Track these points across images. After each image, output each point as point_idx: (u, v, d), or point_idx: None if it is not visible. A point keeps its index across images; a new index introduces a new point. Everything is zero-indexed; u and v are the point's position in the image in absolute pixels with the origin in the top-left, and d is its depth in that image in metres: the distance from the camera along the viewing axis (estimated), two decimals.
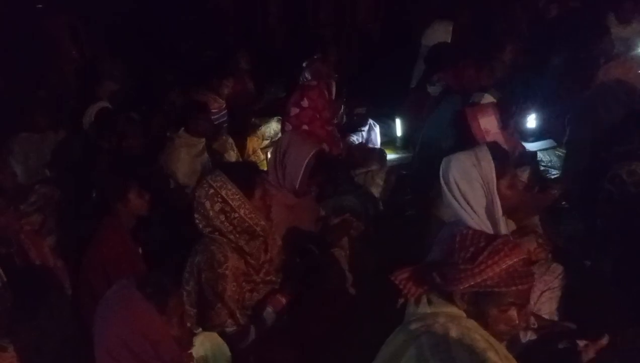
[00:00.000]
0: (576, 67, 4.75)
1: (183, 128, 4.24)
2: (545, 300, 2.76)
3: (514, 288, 1.77)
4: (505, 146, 3.28)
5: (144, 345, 1.78)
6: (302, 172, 3.12)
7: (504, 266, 1.78)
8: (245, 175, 2.60)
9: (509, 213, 2.67)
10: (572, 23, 5.27)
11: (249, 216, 2.55)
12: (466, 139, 3.32)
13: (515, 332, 1.98)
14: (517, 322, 1.84)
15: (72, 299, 3.08)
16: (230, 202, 2.52)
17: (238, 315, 2.54)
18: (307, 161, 3.13)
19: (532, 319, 2.61)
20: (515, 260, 1.80)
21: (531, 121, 4.78)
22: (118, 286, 1.85)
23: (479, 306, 1.82)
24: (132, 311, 1.78)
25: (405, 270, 1.94)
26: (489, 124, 3.49)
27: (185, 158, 4.20)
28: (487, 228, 2.41)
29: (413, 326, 1.82)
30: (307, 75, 5.01)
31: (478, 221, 2.42)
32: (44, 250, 3.18)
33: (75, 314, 2.93)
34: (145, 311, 1.78)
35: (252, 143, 5.10)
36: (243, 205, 2.54)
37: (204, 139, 4.34)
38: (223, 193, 2.52)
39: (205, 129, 4.32)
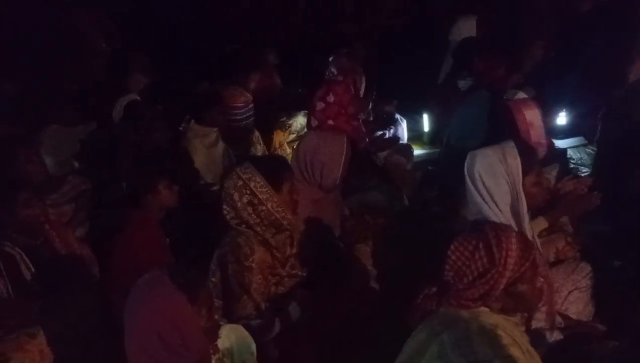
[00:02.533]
0: (609, 63, 4.66)
1: (193, 120, 4.26)
2: (573, 300, 2.73)
3: (527, 264, 1.82)
4: (544, 141, 3.26)
5: (174, 334, 1.80)
6: (341, 167, 3.14)
7: (514, 258, 1.79)
8: (274, 169, 2.62)
9: (537, 211, 2.64)
10: (605, 18, 5.16)
11: (276, 209, 2.56)
12: (507, 134, 3.26)
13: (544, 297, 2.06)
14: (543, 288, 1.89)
15: (98, 289, 3.12)
16: (258, 195, 2.54)
17: (263, 308, 2.55)
18: (343, 156, 3.15)
19: (559, 318, 2.59)
20: (514, 243, 1.81)
21: (561, 118, 4.70)
22: (150, 276, 1.87)
23: (511, 296, 1.82)
24: (164, 301, 1.80)
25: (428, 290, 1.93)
26: (533, 117, 3.44)
27: (201, 148, 4.22)
28: (511, 224, 2.37)
29: (435, 322, 1.82)
30: (333, 70, 4.99)
31: (502, 217, 2.40)
32: (70, 240, 3.23)
33: (102, 303, 2.97)
34: (177, 301, 1.80)
35: (279, 137, 5.11)
36: (271, 198, 2.55)
37: (216, 129, 4.34)
38: (252, 185, 2.54)
39: (215, 119, 4.32)
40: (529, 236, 2.42)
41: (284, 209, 2.59)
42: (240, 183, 2.55)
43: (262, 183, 2.55)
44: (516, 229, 2.35)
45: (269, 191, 2.55)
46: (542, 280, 1.92)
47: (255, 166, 2.58)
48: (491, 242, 1.81)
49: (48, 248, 3.05)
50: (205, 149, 4.25)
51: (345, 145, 3.22)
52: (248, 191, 2.54)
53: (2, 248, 2.83)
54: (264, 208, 2.54)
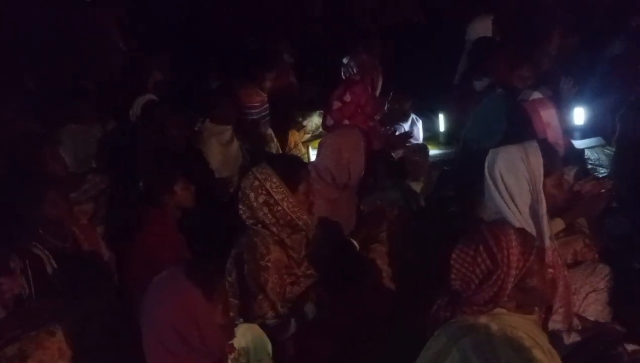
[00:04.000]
0: (628, 63, 4.62)
1: (208, 119, 4.28)
2: (591, 302, 2.70)
3: (531, 257, 1.81)
4: (561, 141, 3.23)
5: (191, 329, 1.81)
6: (364, 160, 3.19)
7: (516, 255, 1.78)
8: (291, 169, 2.63)
9: (554, 212, 2.62)
10: (623, 18, 5.11)
11: (291, 209, 2.57)
12: (524, 134, 3.24)
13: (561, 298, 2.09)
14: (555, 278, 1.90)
15: (117, 287, 3.15)
16: (274, 195, 2.55)
17: (279, 307, 2.57)
18: (364, 149, 3.18)
19: (576, 321, 2.57)
20: (514, 239, 1.80)
21: (579, 118, 4.66)
22: (167, 272, 1.89)
23: (523, 292, 1.81)
24: (181, 296, 1.82)
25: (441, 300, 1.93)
26: (550, 117, 3.42)
27: (217, 147, 4.25)
28: (529, 226, 2.36)
29: (454, 327, 1.82)
30: (351, 69, 4.99)
31: (520, 218, 2.38)
32: (97, 242, 3.27)
33: (120, 302, 2.99)
34: (194, 296, 1.81)
35: (294, 136, 5.13)
36: (286, 198, 2.56)
37: (230, 127, 4.36)
38: (267, 185, 2.55)
39: (228, 116, 4.34)
40: (547, 237, 2.41)
41: (299, 209, 2.60)
42: (257, 183, 2.56)
43: (278, 183, 2.56)
44: (534, 230, 2.36)
45: (284, 192, 2.56)
46: (552, 270, 1.89)
47: (272, 166, 2.60)
48: (490, 243, 1.80)
49: (76, 250, 3.09)
50: (221, 147, 4.28)
51: (360, 136, 3.26)
52: (264, 191, 2.55)
53: (30, 248, 2.86)
54: (279, 208, 2.56)
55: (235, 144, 4.43)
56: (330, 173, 3.18)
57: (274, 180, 2.56)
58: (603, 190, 2.94)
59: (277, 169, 2.58)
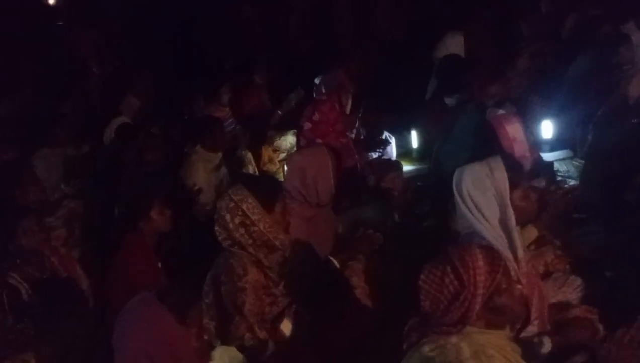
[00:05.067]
0: (597, 75, 4.73)
1: (199, 144, 4.29)
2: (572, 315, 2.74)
3: (498, 276, 1.81)
4: (528, 154, 3.29)
5: (165, 354, 1.81)
6: (331, 176, 3.20)
7: (483, 274, 1.80)
8: (266, 190, 2.65)
9: (526, 221, 2.67)
10: (590, 31, 5.24)
11: (268, 229, 2.58)
12: (491, 149, 3.30)
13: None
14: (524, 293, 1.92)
15: (93, 311, 3.13)
16: (250, 216, 2.56)
17: (257, 329, 2.56)
18: (330, 164, 3.20)
19: (549, 327, 2.60)
20: (480, 259, 1.82)
21: (547, 131, 4.76)
22: (139, 298, 1.90)
23: (492, 310, 1.83)
24: (153, 321, 1.82)
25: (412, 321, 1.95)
26: (515, 132, 3.49)
27: (202, 173, 4.26)
28: (501, 238, 2.41)
29: (426, 348, 1.82)
30: (320, 88, 5.04)
31: (492, 232, 2.42)
32: (75, 271, 3.25)
33: (99, 326, 2.97)
34: (166, 321, 1.82)
35: (268, 152, 5.15)
36: (262, 219, 2.58)
37: (220, 154, 4.39)
38: (243, 206, 2.56)
39: (220, 144, 4.36)
40: (520, 248, 2.45)
41: (276, 229, 2.61)
42: (232, 204, 2.57)
43: (253, 204, 2.57)
44: (506, 242, 2.40)
45: (260, 212, 2.58)
46: (521, 287, 1.91)
47: (247, 187, 2.61)
48: (457, 264, 1.80)
49: (53, 279, 3.07)
50: (206, 174, 4.29)
51: (327, 154, 3.27)
52: (240, 213, 2.56)
53: (7, 280, 2.85)
54: (255, 228, 2.57)
55: (223, 171, 4.44)
56: (299, 191, 3.21)
57: (250, 201, 2.57)
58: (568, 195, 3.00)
59: (252, 190, 2.59)
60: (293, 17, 7.74)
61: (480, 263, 1.81)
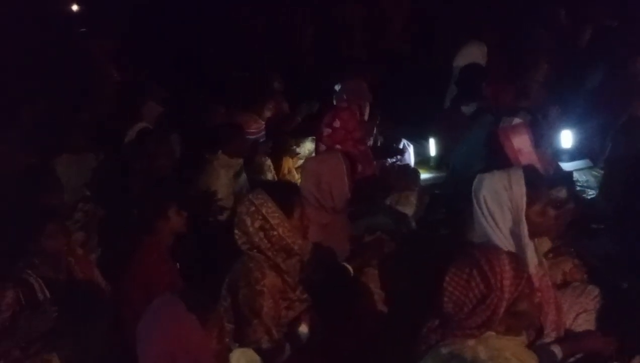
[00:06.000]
0: (615, 85, 4.72)
1: (221, 150, 4.33)
2: (581, 323, 2.72)
3: (522, 282, 1.84)
4: (538, 165, 3.28)
5: (186, 357, 1.82)
6: (346, 182, 3.24)
7: (509, 279, 1.81)
8: (286, 195, 2.67)
9: (540, 236, 2.65)
10: (607, 41, 5.23)
11: (287, 234, 2.60)
12: (499, 160, 3.33)
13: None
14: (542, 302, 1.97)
15: (111, 315, 3.15)
16: (270, 220, 2.58)
17: (274, 332, 2.57)
18: (345, 170, 3.23)
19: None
20: (507, 264, 1.82)
21: (566, 141, 4.74)
22: (162, 300, 1.91)
23: (513, 316, 1.84)
24: (176, 322, 1.84)
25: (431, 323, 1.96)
26: (521, 143, 3.50)
27: (223, 178, 4.29)
28: (514, 249, 2.38)
29: (443, 351, 1.83)
30: (341, 96, 5.07)
31: (506, 242, 2.40)
32: (92, 272, 3.28)
33: (116, 329, 3.00)
34: (189, 324, 1.83)
35: (287, 163, 5.18)
36: (282, 224, 2.60)
37: (241, 160, 4.43)
38: (263, 210, 2.59)
39: (242, 150, 4.41)
40: (532, 264, 2.41)
41: (294, 234, 2.63)
42: (253, 208, 2.60)
43: (273, 208, 2.59)
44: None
45: (280, 217, 2.60)
46: (540, 294, 1.92)
47: (267, 192, 2.64)
48: (484, 268, 1.82)
49: (70, 280, 3.10)
50: (227, 179, 4.32)
51: (342, 160, 3.31)
52: (260, 217, 2.59)
53: (23, 276, 2.88)
54: (275, 233, 2.59)
55: (243, 178, 4.48)
56: (314, 197, 3.23)
57: (270, 205, 2.60)
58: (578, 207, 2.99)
59: (272, 195, 2.62)
60: (306, 27, 7.80)
61: (507, 267, 1.82)
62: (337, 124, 4.37)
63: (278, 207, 2.60)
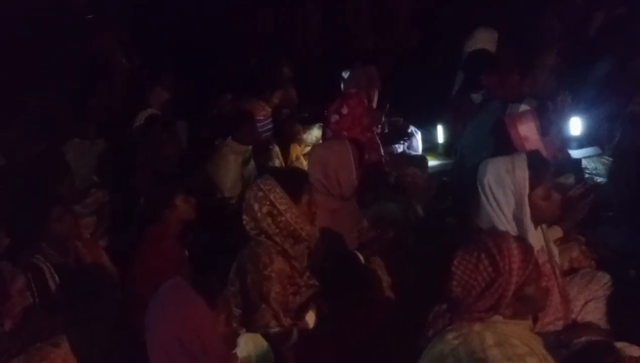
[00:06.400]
0: (625, 73, 4.68)
1: (230, 136, 4.34)
2: (590, 310, 2.71)
3: (530, 266, 1.84)
4: (544, 153, 3.27)
5: (195, 340, 1.83)
6: (354, 169, 3.23)
7: (517, 263, 1.81)
8: (293, 181, 2.68)
9: (550, 220, 2.65)
10: (618, 28, 5.19)
11: (294, 220, 2.61)
12: (505, 147, 3.32)
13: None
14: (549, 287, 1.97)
15: (120, 300, 3.18)
16: (278, 206, 2.59)
17: (282, 317, 2.59)
18: (352, 157, 3.23)
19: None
20: (515, 248, 1.83)
21: (575, 128, 4.72)
22: (171, 284, 1.92)
23: (520, 300, 1.85)
24: (184, 305, 1.85)
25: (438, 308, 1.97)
26: (528, 131, 3.49)
27: (233, 166, 4.30)
28: (516, 234, 2.40)
29: (449, 336, 1.84)
30: (349, 83, 5.06)
31: (508, 226, 2.43)
32: (100, 257, 3.30)
33: (124, 315, 3.02)
34: (197, 305, 1.84)
35: (295, 150, 5.19)
36: (289, 209, 2.60)
37: (250, 147, 4.43)
38: (271, 196, 2.59)
39: (252, 137, 4.41)
40: (535, 248, 2.43)
41: (302, 220, 2.64)
42: (261, 194, 2.61)
43: (281, 194, 2.60)
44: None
45: (287, 202, 2.61)
46: (547, 278, 1.92)
47: (275, 178, 2.65)
48: (493, 251, 1.82)
49: (78, 264, 3.12)
50: (237, 166, 4.33)
51: (349, 147, 3.31)
52: (268, 202, 2.60)
53: (32, 260, 2.90)
54: (283, 218, 2.60)
55: (252, 165, 4.49)
56: (321, 184, 3.24)
57: (278, 191, 2.60)
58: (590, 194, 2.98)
59: (280, 181, 2.63)
60: (313, 15, 7.77)
61: (515, 252, 1.83)
62: (344, 110, 4.37)
63: (286, 193, 2.61)
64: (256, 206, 2.60)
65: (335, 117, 4.39)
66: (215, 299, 1.89)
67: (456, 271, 1.86)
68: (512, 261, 1.82)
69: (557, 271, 2.61)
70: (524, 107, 3.83)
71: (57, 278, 2.92)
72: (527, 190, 2.41)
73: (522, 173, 2.42)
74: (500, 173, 2.45)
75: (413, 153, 5.14)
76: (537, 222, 2.48)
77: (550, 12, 5.97)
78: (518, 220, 2.43)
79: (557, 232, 2.85)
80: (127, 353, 2.61)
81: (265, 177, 2.69)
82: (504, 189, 2.43)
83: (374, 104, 5.02)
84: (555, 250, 2.68)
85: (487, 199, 2.47)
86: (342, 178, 3.24)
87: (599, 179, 4.29)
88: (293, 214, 2.61)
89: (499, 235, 1.94)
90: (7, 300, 2.70)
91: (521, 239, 1.97)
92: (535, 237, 2.47)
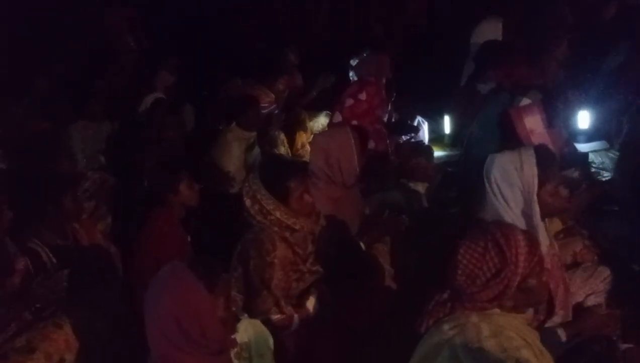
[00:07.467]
0: (634, 67, 4.64)
1: (235, 122, 4.33)
2: (590, 304, 2.73)
3: (535, 259, 1.84)
4: (551, 146, 3.24)
5: (193, 323, 1.84)
6: (355, 157, 3.20)
7: (524, 254, 1.81)
8: (279, 181, 2.61)
9: (552, 216, 2.64)
10: (630, 21, 5.13)
11: (284, 217, 2.59)
12: (511, 140, 3.29)
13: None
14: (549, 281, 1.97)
15: (122, 283, 3.19)
16: (265, 206, 2.58)
17: (283, 304, 2.59)
18: (353, 145, 3.20)
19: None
20: (522, 239, 1.82)
21: (583, 121, 4.69)
22: (170, 266, 1.92)
23: (523, 291, 1.84)
24: (183, 288, 1.85)
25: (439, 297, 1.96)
26: (534, 123, 3.47)
27: (237, 151, 4.29)
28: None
29: (446, 326, 1.84)
30: (358, 70, 5.02)
31: (516, 221, 2.38)
32: (96, 237, 3.30)
33: (126, 297, 3.03)
34: (196, 288, 1.85)
35: (301, 138, 5.17)
36: (277, 208, 2.58)
37: (255, 133, 4.42)
38: (258, 196, 2.58)
39: (256, 123, 4.40)
40: (544, 243, 2.41)
41: (293, 216, 2.61)
42: (251, 192, 2.61)
43: (267, 195, 2.58)
44: None
45: (274, 203, 2.58)
46: (547, 271, 1.92)
47: (261, 177, 2.62)
48: (500, 241, 1.82)
49: (76, 246, 3.13)
50: (240, 152, 4.33)
51: (351, 135, 3.26)
52: (256, 201, 2.59)
53: (29, 245, 2.90)
54: (272, 217, 2.58)
55: (256, 151, 4.48)
56: (324, 172, 3.22)
57: (263, 193, 2.58)
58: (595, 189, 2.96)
59: (265, 181, 2.59)
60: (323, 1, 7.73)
61: (522, 243, 1.83)
62: (362, 96, 4.32)
63: (271, 194, 2.57)
64: (248, 203, 2.60)
65: (350, 101, 4.34)
66: (214, 282, 1.89)
67: (462, 260, 1.85)
68: (519, 253, 1.82)
69: (561, 265, 2.60)
70: (528, 100, 3.80)
71: (54, 261, 2.92)
72: (535, 188, 2.36)
73: (531, 170, 2.37)
74: (507, 170, 2.40)
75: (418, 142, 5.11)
76: (543, 217, 2.45)
77: (561, 2, 5.91)
78: (527, 216, 2.40)
79: (556, 225, 2.84)
80: (128, 336, 2.62)
81: (253, 176, 2.66)
82: (511, 186, 2.39)
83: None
84: (555, 244, 2.67)
85: (494, 193, 2.43)
86: (344, 166, 3.22)
87: (606, 174, 4.27)
88: (282, 212, 2.58)
89: (507, 225, 1.93)
90: (12, 274, 2.72)
91: (527, 231, 1.97)
92: (544, 233, 2.45)
